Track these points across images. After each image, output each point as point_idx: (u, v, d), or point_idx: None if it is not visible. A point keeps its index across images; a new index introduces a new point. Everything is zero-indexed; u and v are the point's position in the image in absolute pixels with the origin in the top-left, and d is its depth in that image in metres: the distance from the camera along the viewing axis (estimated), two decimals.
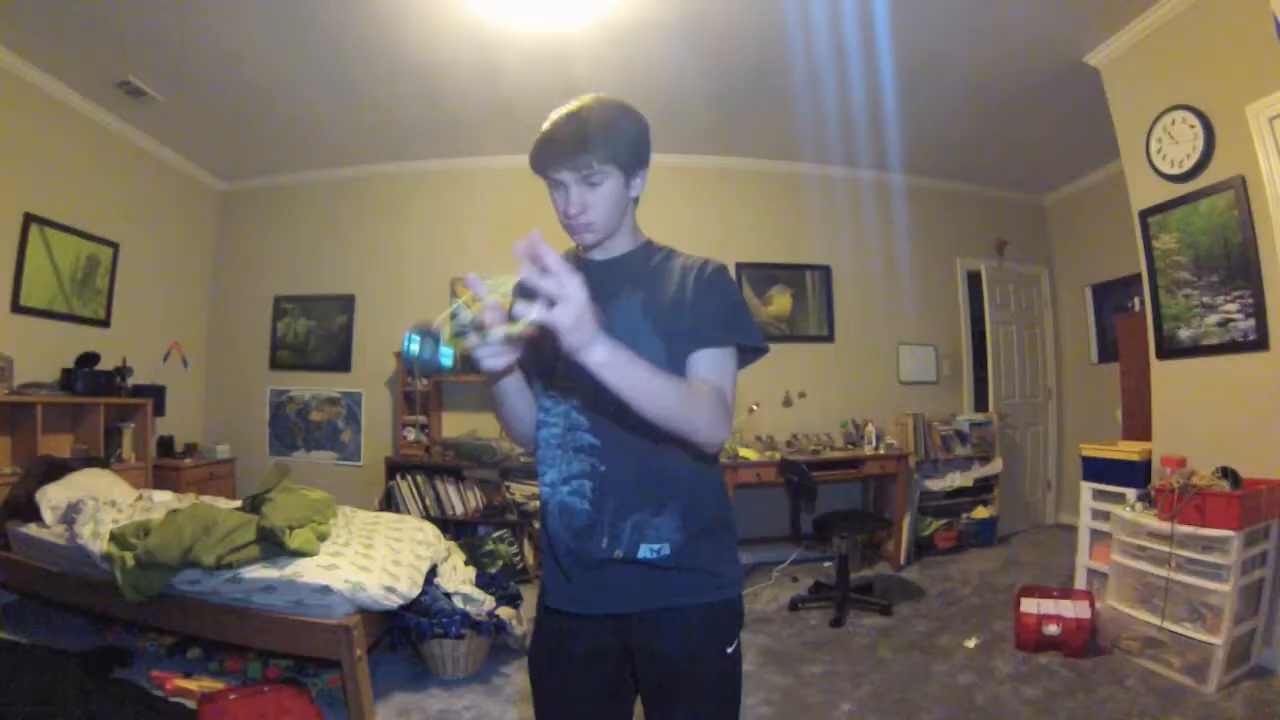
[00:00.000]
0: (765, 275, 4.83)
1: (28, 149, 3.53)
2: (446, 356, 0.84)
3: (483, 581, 2.96)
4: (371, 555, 2.50)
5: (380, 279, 4.82)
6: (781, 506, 3.94)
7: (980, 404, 5.15)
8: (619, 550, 1.00)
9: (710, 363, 1.00)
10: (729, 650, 1.05)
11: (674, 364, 0.99)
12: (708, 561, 1.04)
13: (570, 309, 0.73)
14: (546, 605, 1.10)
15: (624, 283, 1.06)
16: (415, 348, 0.83)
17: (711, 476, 1.10)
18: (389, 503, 4.22)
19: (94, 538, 2.56)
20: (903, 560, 4.24)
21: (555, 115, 1.01)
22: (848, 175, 4.92)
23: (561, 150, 0.98)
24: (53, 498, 2.88)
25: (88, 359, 3.70)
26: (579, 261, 1.12)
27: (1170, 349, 3.07)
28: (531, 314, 0.74)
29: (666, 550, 1.01)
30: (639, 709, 1.11)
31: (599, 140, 0.97)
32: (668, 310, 1.03)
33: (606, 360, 0.78)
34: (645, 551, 1.00)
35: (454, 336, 0.84)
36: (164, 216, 4.58)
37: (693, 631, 1.02)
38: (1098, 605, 2.81)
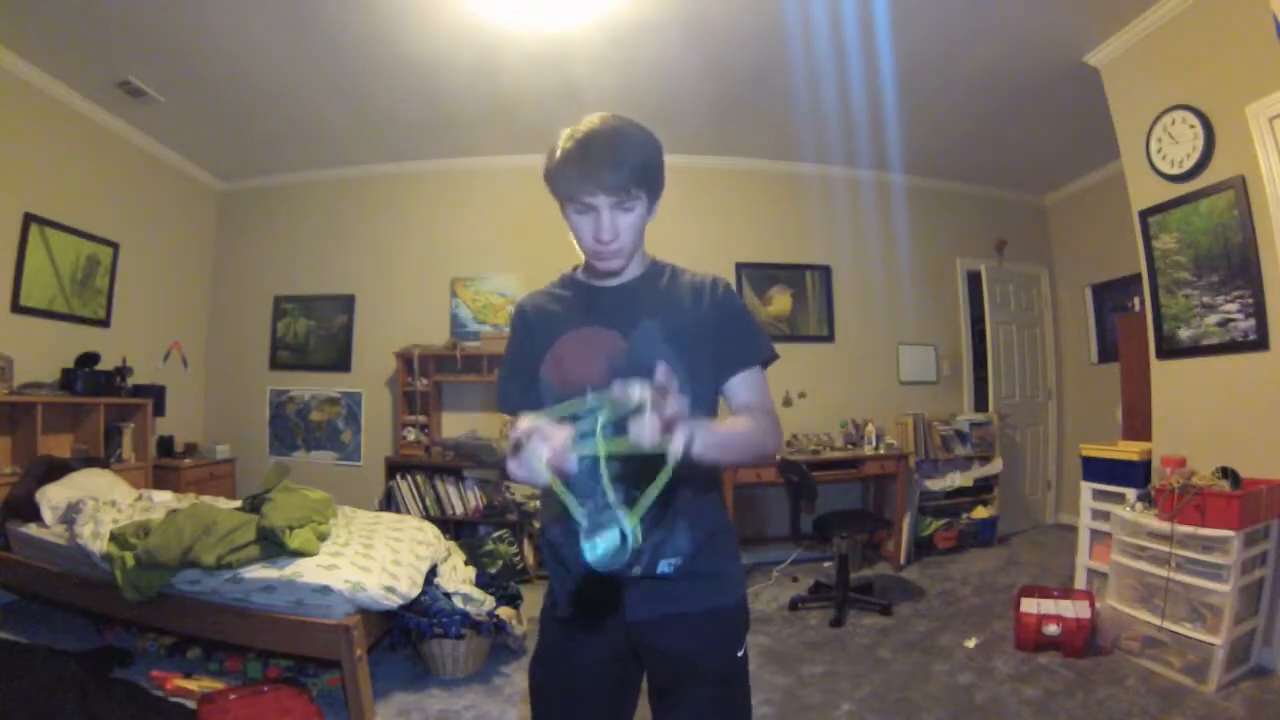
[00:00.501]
0: (765, 275, 4.82)
1: (28, 149, 3.52)
2: (628, 529, 0.71)
3: (483, 581, 2.97)
4: (371, 555, 2.50)
5: (380, 279, 4.82)
6: (781, 506, 3.94)
7: (980, 404, 5.14)
8: (638, 568, 1.01)
9: (749, 387, 1.05)
10: (739, 654, 1.06)
11: (696, 382, 1.00)
12: (714, 567, 1.05)
13: (685, 430, 0.70)
14: (555, 614, 1.10)
15: (641, 310, 1.06)
16: (602, 551, 0.71)
17: (715, 486, 1.11)
18: (389, 503, 4.22)
19: (94, 538, 2.56)
20: (903, 560, 4.24)
21: (579, 134, 0.94)
22: (848, 175, 4.91)
23: (598, 172, 0.92)
24: (53, 498, 2.88)
25: (88, 359, 3.70)
26: (585, 286, 1.11)
27: (1170, 349, 3.07)
28: (648, 441, 0.69)
29: (680, 562, 1.02)
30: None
31: (637, 165, 0.94)
32: (686, 333, 1.03)
33: (701, 448, 0.76)
34: (663, 567, 1.01)
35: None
36: (164, 216, 4.57)
37: (700, 633, 1.03)
38: (1098, 605, 2.81)
